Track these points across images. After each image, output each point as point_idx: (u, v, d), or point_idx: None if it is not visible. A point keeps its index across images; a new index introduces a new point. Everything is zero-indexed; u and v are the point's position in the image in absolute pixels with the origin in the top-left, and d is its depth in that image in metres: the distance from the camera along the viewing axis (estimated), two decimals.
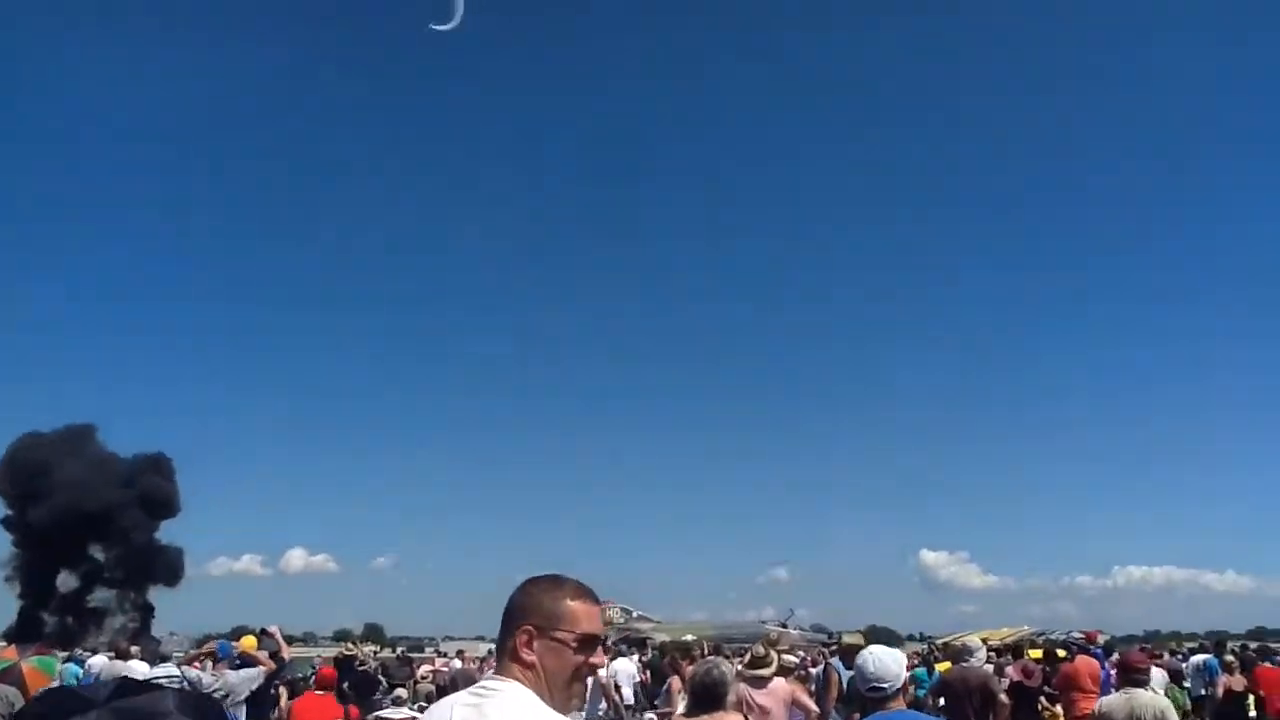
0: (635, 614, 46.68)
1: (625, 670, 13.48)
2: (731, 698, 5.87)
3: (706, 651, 17.66)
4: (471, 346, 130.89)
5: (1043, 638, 28.77)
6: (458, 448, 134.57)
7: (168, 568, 60.41)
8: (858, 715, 8.50)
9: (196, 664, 13.26)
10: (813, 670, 16.23)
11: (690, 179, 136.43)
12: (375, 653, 30.90)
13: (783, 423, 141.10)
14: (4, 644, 13.42)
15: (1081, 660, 12.85)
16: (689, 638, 15.92)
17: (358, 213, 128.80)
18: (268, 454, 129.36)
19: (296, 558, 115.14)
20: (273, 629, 11.57)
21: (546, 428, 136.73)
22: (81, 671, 16.67)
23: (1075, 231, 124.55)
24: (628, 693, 12.17)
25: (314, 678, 10.81)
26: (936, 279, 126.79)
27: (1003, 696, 9.83)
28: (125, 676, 4.02)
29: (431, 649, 41.60)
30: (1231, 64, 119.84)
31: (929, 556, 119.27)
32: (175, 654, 15.64)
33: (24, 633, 49.62)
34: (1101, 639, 17.66)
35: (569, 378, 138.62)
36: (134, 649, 15.50)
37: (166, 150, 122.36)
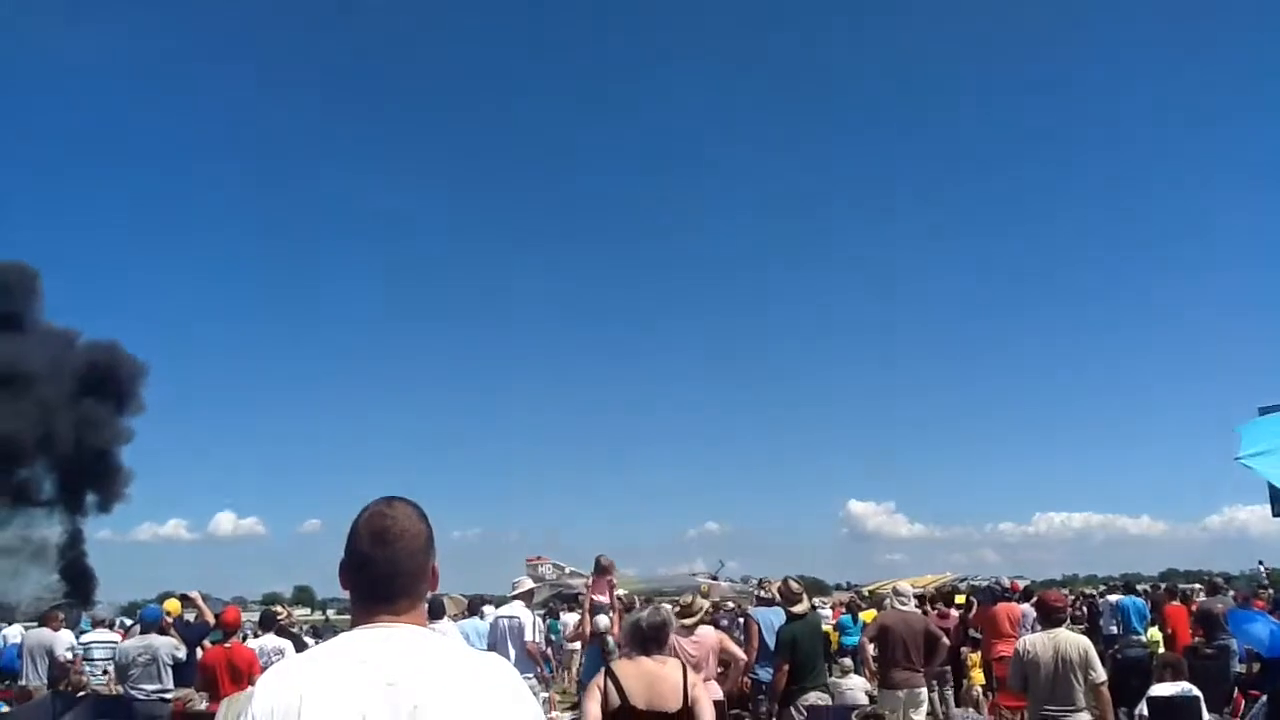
0: (567, 570, 46.77)
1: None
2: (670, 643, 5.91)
3: (639, 603, 17.85)
4: (395, 313, 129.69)
5: (965, 583, 29.52)
6: (382, 410, 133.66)
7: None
8: (786, 666, 8.68)
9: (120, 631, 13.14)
10: (742, 620, 16.46)
11: None
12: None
13: (713, 377, 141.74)
14: None
15: (1002, 606, 13.24)
16: (621, 592, 15.96)
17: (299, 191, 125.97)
18: (195, 418, 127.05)
19: (225, 522, 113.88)
20: (194, 594, 11.46)
21: (469, 387, 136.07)
22: (1, 642, 16.38)
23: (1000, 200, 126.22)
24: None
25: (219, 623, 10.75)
26: (862, 238, 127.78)
27: (945, 639, 10.13)
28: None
29: None
30: None
31: (857, 507, 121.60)
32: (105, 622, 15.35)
33: None
34: (1022, 585, 18.15)
35: (494, 339, 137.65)
36: (59, 615, 15.18)
37: None
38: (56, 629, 14.11)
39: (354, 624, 2.18)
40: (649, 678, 5.39)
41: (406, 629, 2.13)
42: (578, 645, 16.46)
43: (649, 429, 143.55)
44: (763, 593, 11.86)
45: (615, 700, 5.34)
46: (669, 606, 6.45)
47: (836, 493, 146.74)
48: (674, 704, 5.29)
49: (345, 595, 2.25)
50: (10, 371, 43.15)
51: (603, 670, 5.66)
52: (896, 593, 10.22)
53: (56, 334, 48.51)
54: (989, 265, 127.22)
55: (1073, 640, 7.30)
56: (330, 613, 52.48)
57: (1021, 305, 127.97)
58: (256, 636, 12.28)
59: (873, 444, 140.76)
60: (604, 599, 11.78)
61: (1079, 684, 7.03)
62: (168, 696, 9.81)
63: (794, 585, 9.06)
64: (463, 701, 2.03)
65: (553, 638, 19.47)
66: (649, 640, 5.55)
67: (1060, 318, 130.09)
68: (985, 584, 19.57)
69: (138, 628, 13.94)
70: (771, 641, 9.61)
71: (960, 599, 17.03)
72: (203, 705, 9.57)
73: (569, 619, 21.22)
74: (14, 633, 16.52)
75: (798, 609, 8.84)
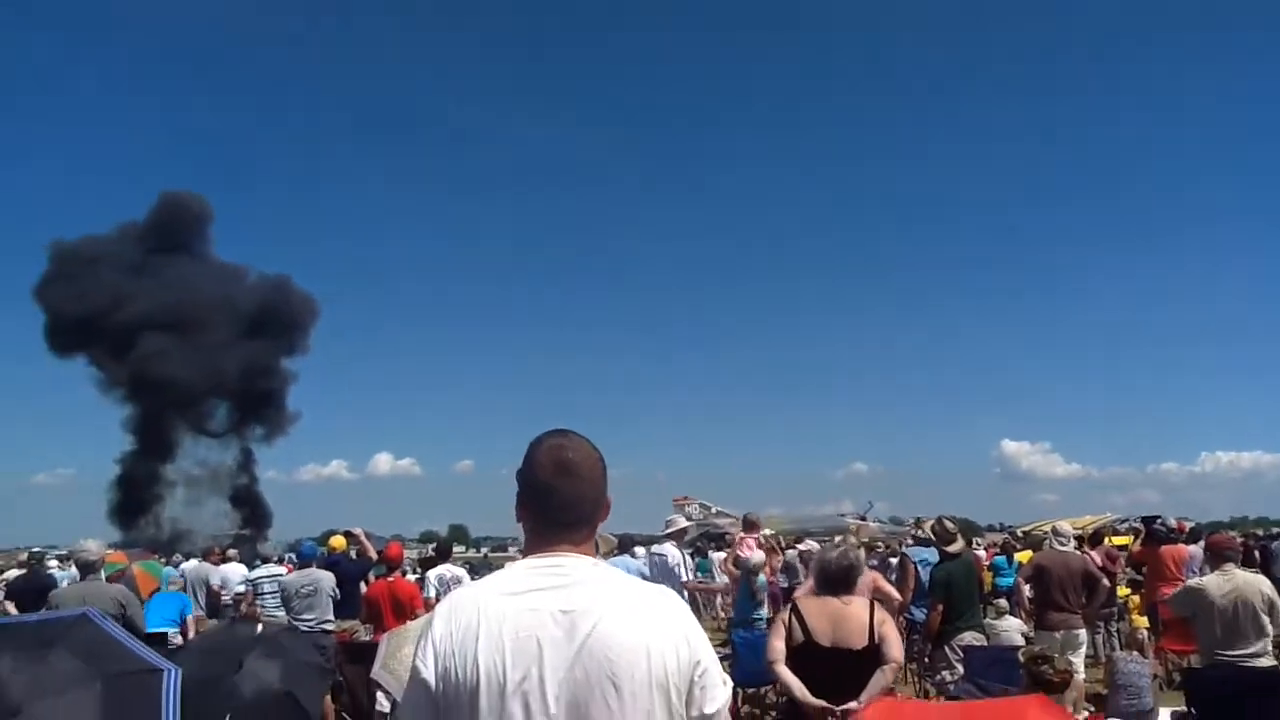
0: (714, 509, 47.00)
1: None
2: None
3: (784, 544, 17.83)
4: (538, 251, 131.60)
5: (1124, 524, 28.44)
6: (530, 354, 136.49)
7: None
8: (940, 605, 8.53)
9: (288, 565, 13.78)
10: (892, 561, 16.27)
11: None
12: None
13: (860, 314, 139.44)
14: (111, 549, 13.93)
15: (1166, 548, 12.70)
16: (767, 531, 15.91)
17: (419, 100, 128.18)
18: (354, 362, 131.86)
19: (383, 462, 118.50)
20: (357, 530, 11.92)
21: (617, 329, 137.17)
22: (176, 574, 17.35)
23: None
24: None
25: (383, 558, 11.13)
26: (1013, 163, 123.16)
27: (1105, 580, 9.79)
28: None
29: (516, 549, 42.49)
30: None
31: (1010, 447, 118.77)
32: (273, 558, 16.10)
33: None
34: (1187, 527, 17.39)
35: (637, 275, 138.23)
36: (231, 552, 16.02)
37: None
38: (216, 563, 14.90)
39: (529, 553, 2.21)
40: (834, 616, 5.35)
41: (580, 559, 2.16)
42: (725, 581, 16.58)
43: (796, 368, 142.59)
44: (919, 532, 11.70)
45: (799, 636, 5.32)
46: (858, 551, 6.31)
47: (989, 432, 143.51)
48: (859, 642, 5.25)
49: (497, 534, 2.28)
50: (185, 307, 44.72)
51: (788, 606, 5.61)
52: (1055, 533, 9.93)
53: (227, 268, 49.60)
54: (1145, 189, 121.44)
55: (1251, 581, 6.92)
56: (485, 550, 53.88)
57: (1185, 231, 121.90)
58: (416, 572, 12.71)
59: (1028, 381, 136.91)
60: (750, 553, 11.88)
61: (1258, 627, 6.67)
62: (329, 627, 10.21)
63: (948, 524, 8.87)
64: (635, 629, 2.04)
65: (700, 576, 19.62)
66: (836, 583, 5.48)
67: (1224, 243, 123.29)
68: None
69: None
70: (927, 582, 9.47)
71: (1119, 540, 16.42)
72: (366, 637, 9.97)
73: (716, 557, 21.39)
74: (189, 567, 17.47)
75: (952, 548, 8.66)
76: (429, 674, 2.05)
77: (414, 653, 2.10)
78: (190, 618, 11.81)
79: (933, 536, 9.04)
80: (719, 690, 2.11)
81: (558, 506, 2.18)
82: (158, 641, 9.63)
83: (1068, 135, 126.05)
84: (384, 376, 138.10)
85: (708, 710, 2.08)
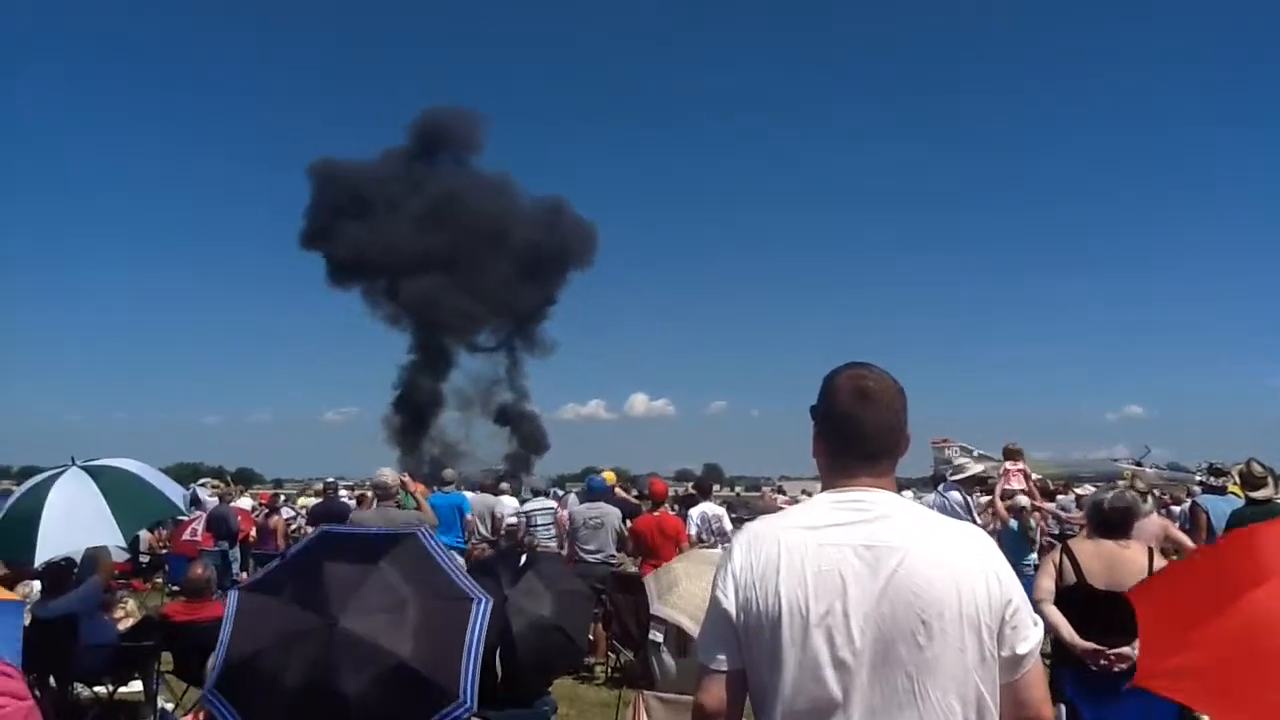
0: (975, 453, 45.31)
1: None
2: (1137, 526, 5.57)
3: (1054, 488, 17.00)
4: (781, 185, 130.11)
5: None
6: (783, 298, 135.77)
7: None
8: None
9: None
10: (1175, 509, 15.35)
11: None
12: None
13: (1134, 247, 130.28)
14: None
15: None
16: (1035, 477, 15.21)
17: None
18: (608, 306, 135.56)
19: (639, 403, 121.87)
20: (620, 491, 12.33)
21: (874, 268, 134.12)
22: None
23: None
24: None
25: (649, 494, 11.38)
26: None
27: None
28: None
29: (768, 487, 42.69)
30: None
31: None
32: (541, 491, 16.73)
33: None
34: None
35: (897, 216, 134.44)
36: (504, 485, 16.76)
37: None
38: (495, 494, 15.66)
39: (828, 487, 2.18)
40: (1109, 559, 5.16)
41: (882, 494, 2.11)
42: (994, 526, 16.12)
43: (1066, 304, 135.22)
44: (1211, 479, 10.91)
45: (1070, 578, 5.17)
46: (1135, 494, 6.02)
47: None
48: None
49: (751, 474, 2.22)
50: (457, 241, 44.92)
51: (1058, 547, 5.45)
52: None
53: (500, 188, 48.71)
54: None
55: None
56: (739, 489, 54.29)
57: None
58: (674, 509, 12.95)
59: None
60: (1017, 486, 11.46)
61: None
62: (612, 561, 10.47)
63: (1257, 468, 8.17)
64: (943, 566, 1.99)
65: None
66: (1111, 525, 5.27)
67: None
68: None
69: (569, 498, 15.12)
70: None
71: None
72: (634, 568, 10.24)
73: (980, 501, 20.78)
74: (474, 497, 18.43)
75: (1259, 494, 7.99)
76: (729, 604, 2.06)
77: (713, 583, 2.12)
78: (470, 516, 12.56)
79: (1237, 480, 8.39)
80: (1031, 630, 2.04)
81: (858, 436, 2.14)
82: None
83: None
84: (640, 318, 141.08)
85: (1020, 651, 2.02)
